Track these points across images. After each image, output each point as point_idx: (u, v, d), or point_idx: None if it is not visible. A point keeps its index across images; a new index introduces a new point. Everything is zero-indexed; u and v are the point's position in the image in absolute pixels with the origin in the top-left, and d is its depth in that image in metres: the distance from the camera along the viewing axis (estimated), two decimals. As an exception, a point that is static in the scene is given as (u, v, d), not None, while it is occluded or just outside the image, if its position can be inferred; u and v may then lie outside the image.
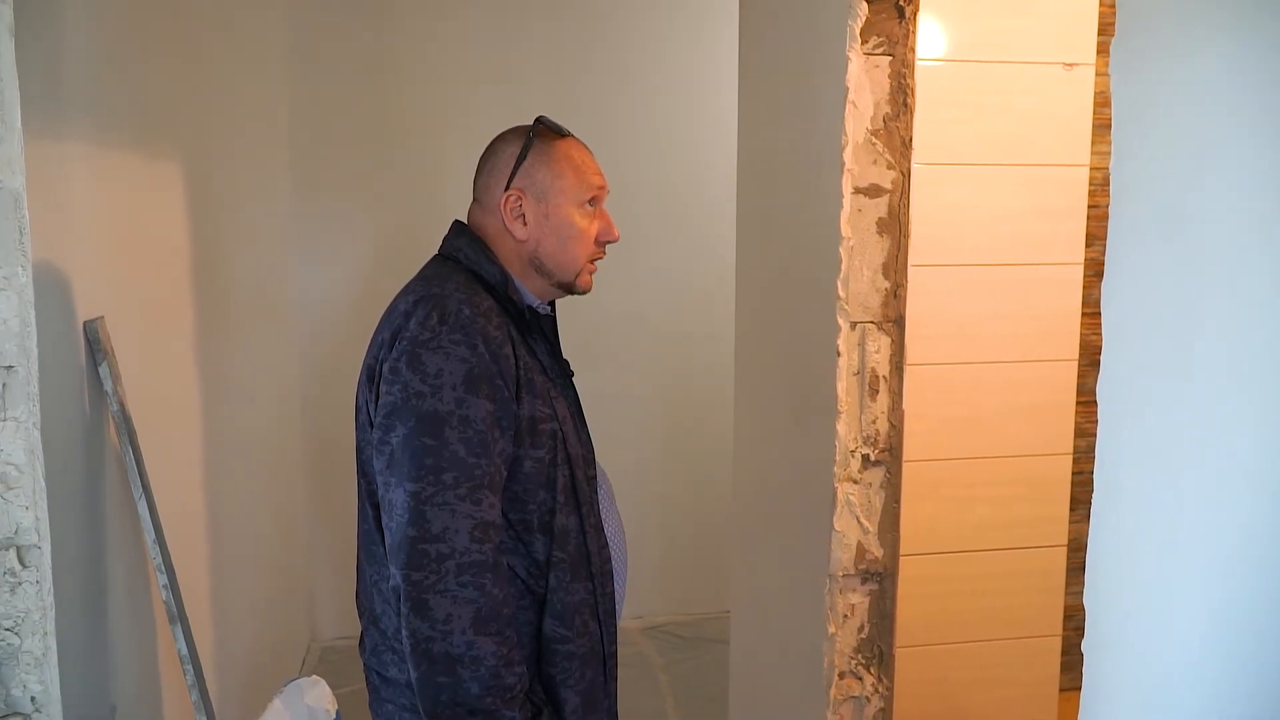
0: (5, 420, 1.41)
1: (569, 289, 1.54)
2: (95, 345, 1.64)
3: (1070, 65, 2.28)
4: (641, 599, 4.02)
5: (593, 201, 1.52)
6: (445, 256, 1.51)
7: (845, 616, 2.03)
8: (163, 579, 1.78)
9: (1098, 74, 2.30)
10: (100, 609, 1.71)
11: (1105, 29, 2.30)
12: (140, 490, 1.75)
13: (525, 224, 1.48)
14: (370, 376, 1.41)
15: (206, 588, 2.37)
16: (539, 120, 1.53)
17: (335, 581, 3.94)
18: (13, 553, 1.47)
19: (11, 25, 1.40)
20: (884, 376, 2.01)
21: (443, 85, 3.85)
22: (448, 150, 3.84)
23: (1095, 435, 1.20)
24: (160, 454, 1.96)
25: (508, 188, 1.48)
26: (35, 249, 1.44)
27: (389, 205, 3.89)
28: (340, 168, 3.82)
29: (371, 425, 1.39)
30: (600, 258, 1.55)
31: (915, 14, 1.96)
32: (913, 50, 1.98)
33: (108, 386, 1.66)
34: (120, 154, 1.90)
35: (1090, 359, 2.36)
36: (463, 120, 3.84)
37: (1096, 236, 2.34)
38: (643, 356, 4.11)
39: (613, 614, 1.54)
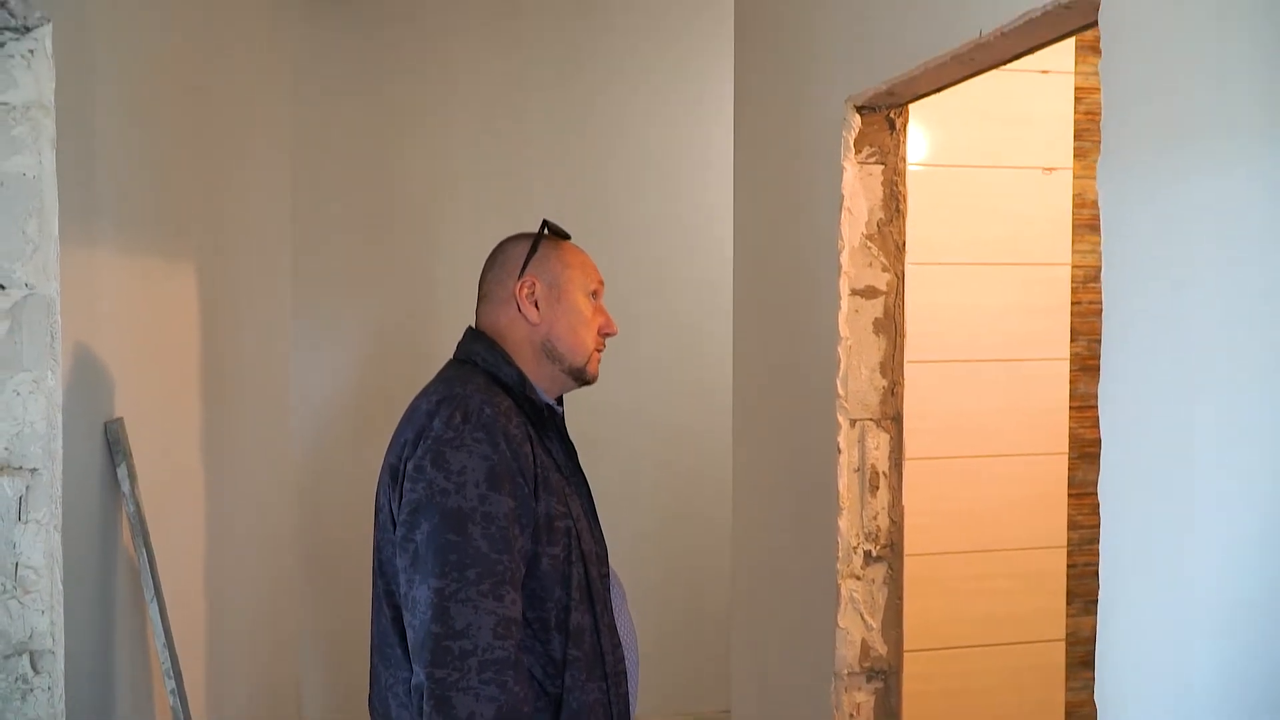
0: (27, 523, 1.42)
1: (579, 376, 1.59)
2: (115, 446, 1.66)
3: (1049, 169, 2.39)
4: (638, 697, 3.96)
5: (595, 294, 1.59)
6: (462, 360, 1.56)
7: (851, 716, 2.03)
8: (170, 684, 1.77)
9: (1076, 176, 2.41)
10: (107, 713, 1.69)
11: (1081, 134, 2.42)
12: (152, 593, 1.74)
13: (538, 308, 1.55)
14: (394, 476, 1.43)
15: (202, 678, 2.34)
16: (545, 223, 1.61)
17: (323, 670, 3.87)
18: (26, 658, 1.47)
19: (53, 137, 1.46)
20: (884, 473, 2.05)
21: (441, 183, 3.95)
22: (445, 248, 3.92)
23: (1089, 528, 1.24)
24: (166, 551, 1.96)
25: (521, 276, 1.55)
26: (63, 352, 1.48)
27: (386, 301, 3.94)
28: (340, 263, 3.89)
29: (394, 525, 1.42)
30: (602, 349, 1.61)
31: (905, 125, 2.06)
32: (904, 159, 2.07)
33: (125, 487, 1.67)
34: (144, 258, 1.95)
35: (1080, 452, 2.42)
36: (460, 217, 3.93)
37: (1080, 332, 2.42)
38: (640, 448, 4.12)
39: (626, 715, 1.55)
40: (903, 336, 2.08)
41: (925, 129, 2.27)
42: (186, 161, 2.30)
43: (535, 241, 1.58)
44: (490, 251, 1.63)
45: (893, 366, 2.08)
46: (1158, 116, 1.16)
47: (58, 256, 1.43)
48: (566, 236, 1.63)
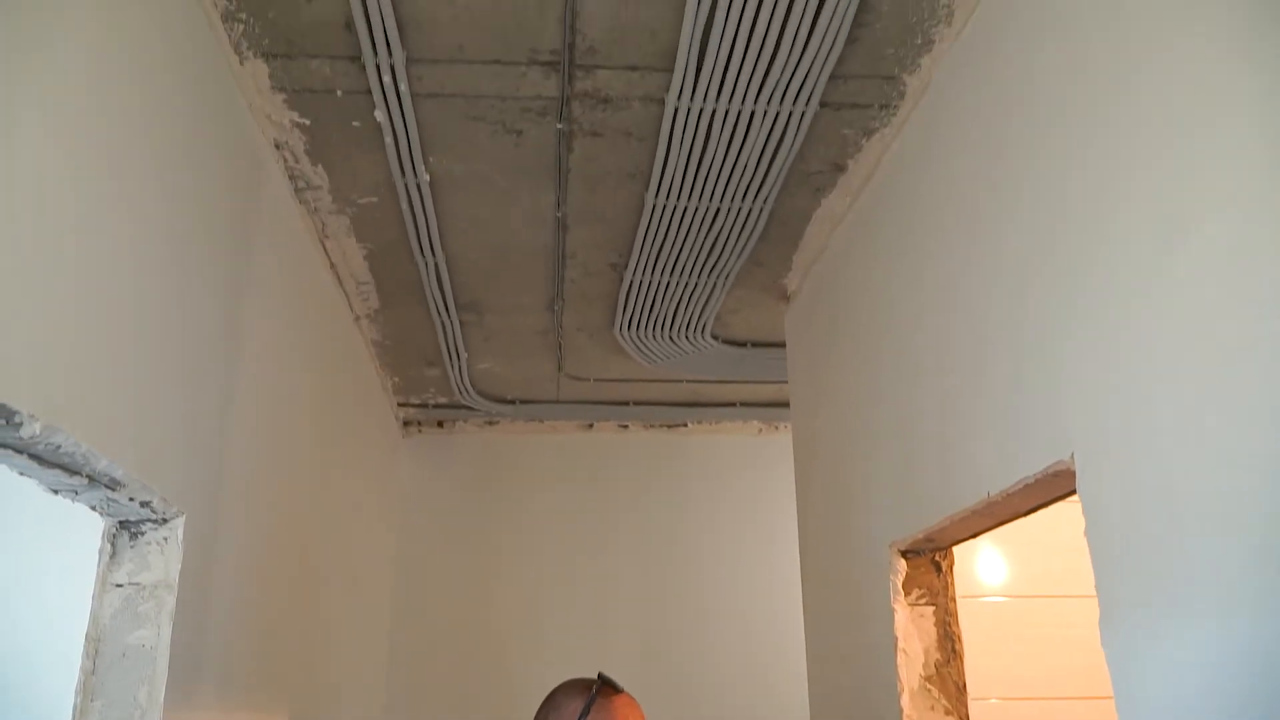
0: None
1: None
2: None
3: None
4: None
5: None
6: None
7: None
8: None
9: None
10: None
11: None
12: None
13: None
14: None
15: None
16: (601, 676, 1.68)
17: None
18: None
19: (173, 612, 1.67)
20: None
21: (527, 622, 4.12)
22: (529, 685, 3.99)
23: None
24: None
25: None
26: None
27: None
28: (427, 701, 3.98)
29: None
30: None
31: (950, 567, 2.16)
32: (954, 600, 2.14)
33: None
34: (240, 715, 2.09)
35: None
36: (543, 655, 4.05)
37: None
38: None
39: None
40: (976, 783, 2.02)
41: (980, 562, 2.36)
42: (289, 619, 2.50)
43: (588, 703, 1.63)
44: (543, 699, 1.70)
45: (969, 818, 2.01)
46: (1143, 575, 1.26)
47: (159, 721, 1.58)
48: (620, 690, 1.70)
